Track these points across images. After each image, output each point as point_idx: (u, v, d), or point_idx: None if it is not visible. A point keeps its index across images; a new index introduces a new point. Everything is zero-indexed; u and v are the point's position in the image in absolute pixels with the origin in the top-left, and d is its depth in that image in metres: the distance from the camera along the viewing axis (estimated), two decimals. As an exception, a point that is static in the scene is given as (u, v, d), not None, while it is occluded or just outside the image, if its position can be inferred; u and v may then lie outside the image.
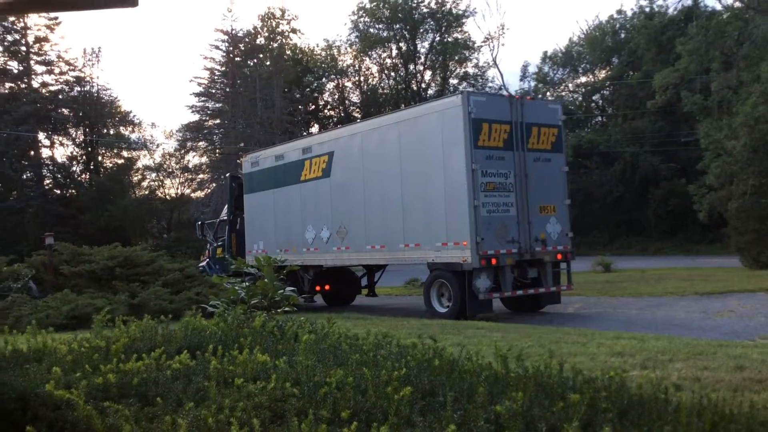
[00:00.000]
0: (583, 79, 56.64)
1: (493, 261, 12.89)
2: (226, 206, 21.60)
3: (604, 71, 54.51)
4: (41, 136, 55.46)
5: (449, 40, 57.84)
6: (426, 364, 3.23)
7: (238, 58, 51.73)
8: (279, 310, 5.31)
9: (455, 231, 13.08)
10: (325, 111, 63.93)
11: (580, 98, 56.50)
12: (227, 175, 24.46)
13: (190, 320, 4.34)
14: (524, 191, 13.49)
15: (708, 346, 8.53)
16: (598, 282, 21.55)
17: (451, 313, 13.29)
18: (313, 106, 61.74)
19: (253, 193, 19.04)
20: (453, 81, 59.77)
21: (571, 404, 2.60)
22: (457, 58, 58.20)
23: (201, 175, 53.61)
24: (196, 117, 53.92)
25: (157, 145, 76.16)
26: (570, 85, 57.30)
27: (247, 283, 5.15)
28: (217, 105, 52.45)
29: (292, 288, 5.48)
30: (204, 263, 21.91)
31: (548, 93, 56.46)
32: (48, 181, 56.36)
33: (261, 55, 53.19)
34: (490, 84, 59.22)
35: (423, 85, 59.84)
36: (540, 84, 56.81)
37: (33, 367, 3.43)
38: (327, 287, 17.38)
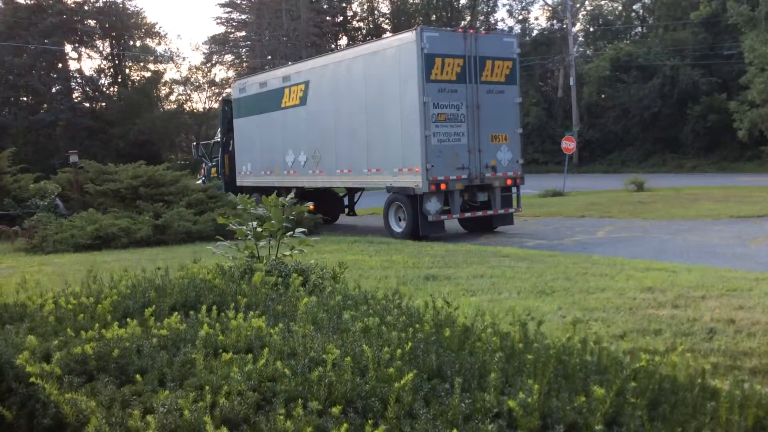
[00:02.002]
0: (624, -14, 53.91)
1: (443, 186, 13.96)
2: (219, 128, 22.97)
3: (646, -22, 51.79)
4: (68, 48, 55.03)
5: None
6: (435, 337, 2.93)
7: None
8: (288, 254, 5.06)
9: (409, 158, 14.14)
10: (354, 22, 62.09)
11: (620, 7, 53.89)
12: (221, 98, 26.18)
13: (190, 269, 4.08)
14: (476, 121, 14.40)
15: (743, 281, 8.14)
16: (630, 203, 21.02)
17: (406, 232, 14.51)
18: (341, 17, 59.98)
19: (241, 117, 20.25)
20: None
21: (594, 398, 2.29)
22: (491, -37, 55.68)
23: (228, 89, 53.08)
24: (221, 29, 52.84)
25: (184, 59, 75.37)
26: (610, -8, 54.59)
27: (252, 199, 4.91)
28: (243, 16, 51.22)
29: (303, 230, 5.20)
30: (200, 181, 23.07)
31: (587, 2, 53.97)
32: (77, 95, 56.31)
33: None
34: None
35: (456, -7, 57.61)
36: (578, -8, 54.20)
37: (14, 329, 3.22)
38: (311, 207, 18.03)
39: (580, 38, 53.99)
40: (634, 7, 53.02)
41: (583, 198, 24.19)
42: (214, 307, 3.37)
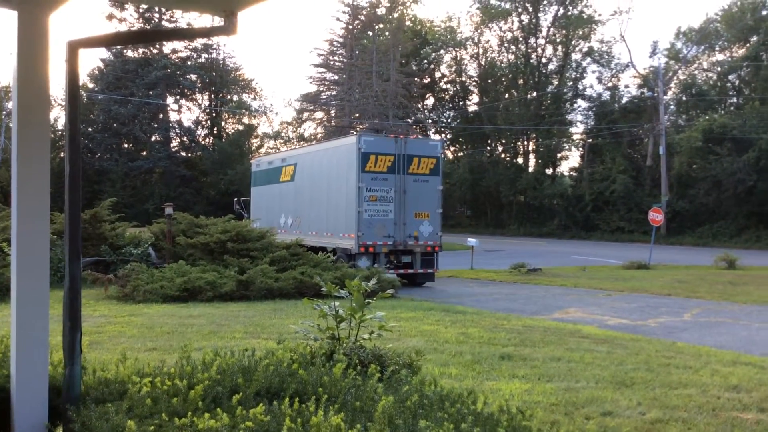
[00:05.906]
0: (719, 57, 52.75)
1: (371, 249, 18.25)
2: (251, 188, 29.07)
3: (742, 49, 50.59)
4: (169, 100, 58.19)
5: (574, 12, 55.42)
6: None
7: (356, 30, 51.85)
8: (367, 338, 5.22)
9: (349, 227, 18.64)
10: (441, 84, 63.13)
11: (714, 77, 52.70)
12: (251, 166, 32.07)
13: (275, 355, 4.28)
14: (402, 202, 18.75)
15: (840, 386, 7.70)
16: (719, 282, 20.23)
17: None
18: (429, 79, 61.11)
19: (256, 186, 26.39)
20: (576, 56, 57.39)
21: None
22: (581, 32, 55.66)
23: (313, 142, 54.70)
24: (314, 88, 54.69)
25: (276, 113, 78.27)
26: (704, 63, 53.53)
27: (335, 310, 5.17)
28: (335, 77, 52.95)
29: (382, 314, 5.39)
30: None
31: (680, 71, 53.09)
32: (174, 144, 59.21)
33: (381, 26, 53.07)
34: (616, 60, 56.46)
35: (543, 60, 57.80)
36: (671, 61, 53.45)
37: (113, 408, 3.47)
38: None
39: (672, 107, 53.01)
40: (730, 77, 51.77)
41: (669, 273, 23.46)
42: (296, 401, 3.55)
